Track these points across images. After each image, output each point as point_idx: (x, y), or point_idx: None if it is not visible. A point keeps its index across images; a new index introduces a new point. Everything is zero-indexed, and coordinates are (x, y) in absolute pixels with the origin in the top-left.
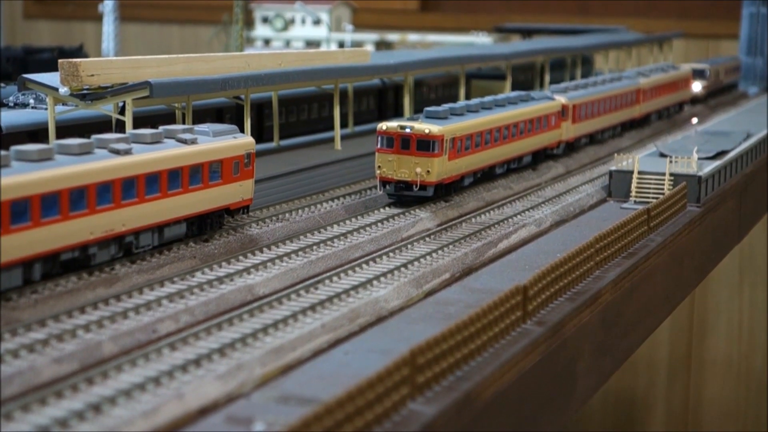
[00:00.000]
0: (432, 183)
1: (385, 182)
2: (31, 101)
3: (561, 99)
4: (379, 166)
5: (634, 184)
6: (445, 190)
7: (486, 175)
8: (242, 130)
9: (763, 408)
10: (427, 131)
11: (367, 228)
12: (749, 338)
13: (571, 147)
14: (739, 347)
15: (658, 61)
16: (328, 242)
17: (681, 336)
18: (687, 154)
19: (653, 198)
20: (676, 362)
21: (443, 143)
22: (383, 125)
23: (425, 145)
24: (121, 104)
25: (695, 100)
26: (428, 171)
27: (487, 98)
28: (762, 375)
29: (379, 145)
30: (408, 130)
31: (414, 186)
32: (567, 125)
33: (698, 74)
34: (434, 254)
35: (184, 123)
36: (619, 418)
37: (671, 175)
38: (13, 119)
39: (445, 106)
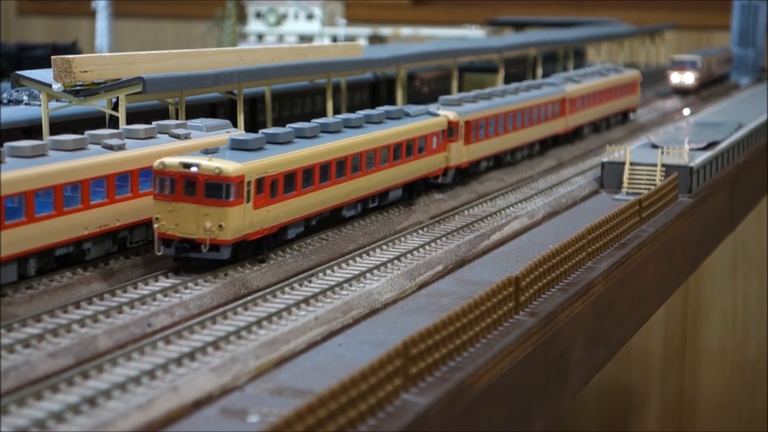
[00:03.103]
0: (227, 242)
1: (166, 240)
2: (25, 98)
3: (449, 114)
4: (156, 218)
5: (626, 176)
6: (255, 249)
7: (327, 221)
8: (236, 125)
9: (757, 398)
10: (217, 171)
11: (360, 221)
12: (743, 329)
13: (465, 173)
14: (734, 338)
15: (650, 53)
16: (322, 235)
17: (675, 327)
18: (678, 145)
19: (645, 189)
20: (671, 353)
21: (243, 187)
22: (161, 162)
23: (216, 189)
24: (114, 100)
25: (687, 91)
26: (221, 225)
27: (337, 118)
28: (756, 365)
29: (156, 190)
30: (194, 169)
31: (203, 245)
32: (457, 147)
33: (690, 65)
34: (427, 246)
35: (177, 118)
36: (614, 409)
37: (663, 166)
38: (6, 116)
39: (262, 133)
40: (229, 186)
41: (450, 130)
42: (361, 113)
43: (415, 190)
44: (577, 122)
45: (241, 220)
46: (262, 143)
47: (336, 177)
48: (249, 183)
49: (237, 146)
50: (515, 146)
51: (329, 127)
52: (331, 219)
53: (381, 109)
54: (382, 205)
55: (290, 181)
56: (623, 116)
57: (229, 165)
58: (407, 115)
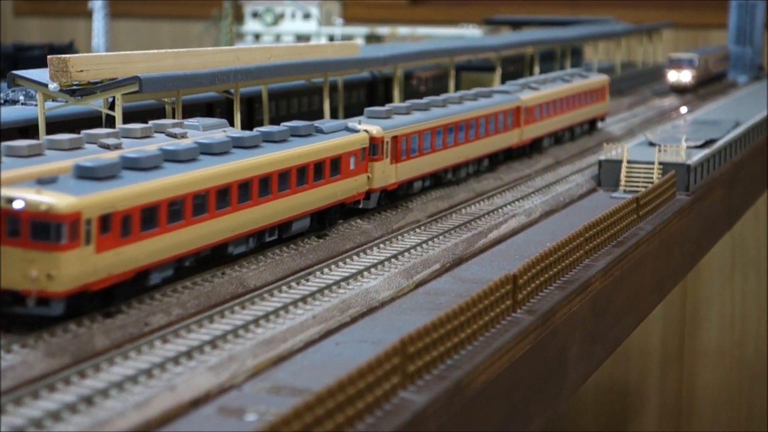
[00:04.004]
0: (59, 294)
1: None
2: (21, 98)
3: (371, 129)
4: None
5: (623, 174)
6: (103, 299)
7: (209, 260)
8: (232, 124)
9: (755, 396)
10: (45, 207)
11: (358, 219)
12: (741, 327)
13: (394, 196)
14: (732, 336)
15: (647, 52)
16: (319, 234)
17: (673, 326)
18: (676, 142)
19: (642, 187)
20: (669, 352)
21: (80, 226)
22: None
23: (43, 230)
24: (110, 99)
25: (684, 89)
26: (50, 274)
27: (225, 137)
28: (754, 363)
29: None
30: (17, 205)
31: (28, 299)
32: (382, 166)
33: (687, 64)
34: (424, 245)
35: (174, 118)
36: (612, 407)
37: (660, 163)
38: (3, 116)
39: (119, 158)
40: (60, 225)
41: (373, 148)
42: (259, 130)
43: (328, 218)
44: (534, 134)
45: (77, 266)
46: (115, 170)
47: (217, 208)
48: (89, 221)
49: (83, 174)
50: (457, 163)
51: (212, 148)
52: (213, 258)
53: (286, 125)
54: (285, 238)
55: (151, 216)
56: (590, 125)
57: (61, 199)
58: (319, 131)
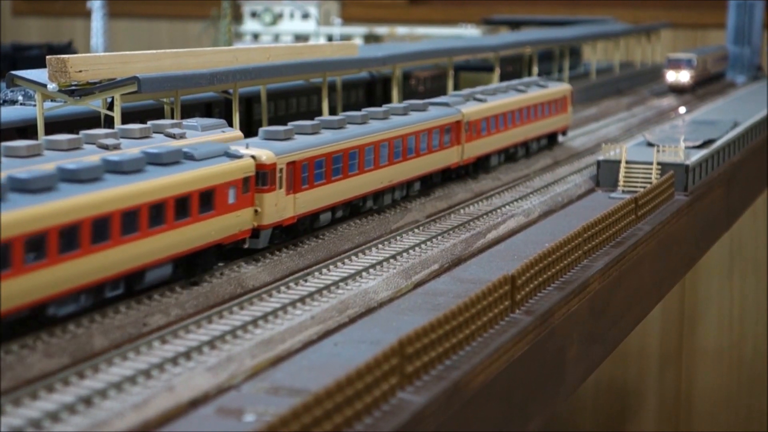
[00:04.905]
0: None
1: None
2: (20, 98)
3: (260, 155)
4: None
5: (621, 174)
6: None
7: (24, 324)
8: (231, 125)
9: (754, 396)
10: None
11: (356, 220)
12: (740, 327)
13: (293, 232)
14: (730, 336)
15: (646, 52)
16: (318, 234)
17: (672, 326)
18: (674, 143)
19: (641, 187)
20: (668, 352)
21: None
22: None
23: None
24: (109, 100)
25: (683, 89)
26: None
27: (51, 171)
28: (753, 363)
29: None
30: None
31: None
32: (275, 198)
33: (686, 64)
34: (423, 245)
35: (173, 118)
36: (610, 407)
37: (659, 164)
38: (2, 116)
39: None
40: None
41: (262, 176)
42: (105, 159)
43: (200, 263)
44: (479, 151)
45: None
46: None
47: (26, 261)
48: None
49: None
50: (378, 189)
51: (28, 184)
52: (31, 320)
53: (144, 152)
54: (138, 290)
55: None
56: (550, 139)
57: None
58: (189, 158)
